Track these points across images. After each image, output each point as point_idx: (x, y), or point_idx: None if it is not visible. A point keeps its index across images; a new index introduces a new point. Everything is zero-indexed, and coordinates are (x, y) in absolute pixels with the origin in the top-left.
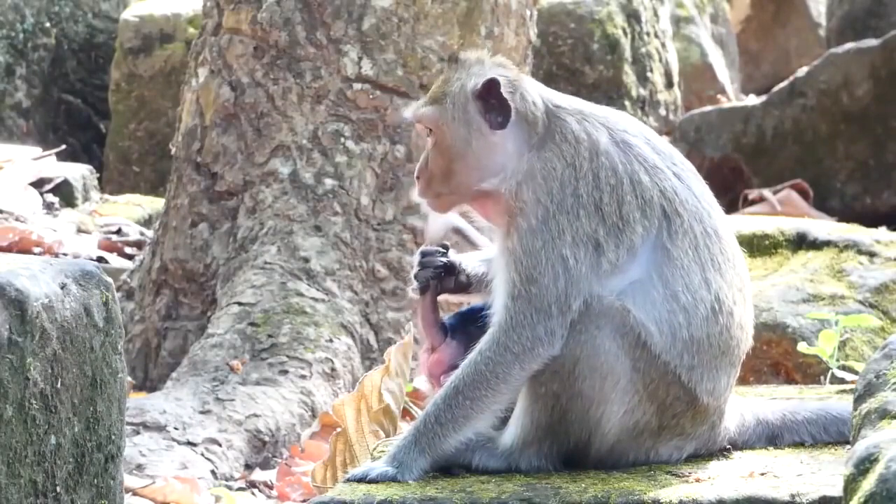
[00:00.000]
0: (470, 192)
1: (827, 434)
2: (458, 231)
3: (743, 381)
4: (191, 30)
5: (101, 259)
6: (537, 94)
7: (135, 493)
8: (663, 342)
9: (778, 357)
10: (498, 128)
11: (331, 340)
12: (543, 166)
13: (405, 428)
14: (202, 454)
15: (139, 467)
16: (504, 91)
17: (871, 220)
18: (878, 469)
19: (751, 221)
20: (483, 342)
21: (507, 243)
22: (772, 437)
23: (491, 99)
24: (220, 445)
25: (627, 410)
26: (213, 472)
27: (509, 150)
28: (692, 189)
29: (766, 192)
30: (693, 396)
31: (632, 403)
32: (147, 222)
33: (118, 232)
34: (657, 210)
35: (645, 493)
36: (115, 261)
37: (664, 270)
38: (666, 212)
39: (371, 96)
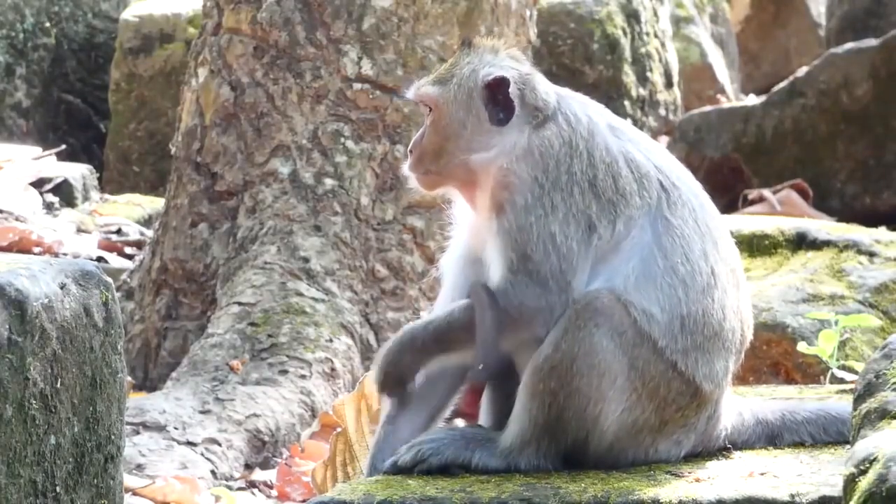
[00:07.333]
0: (458, 174)
1: (826, 434)
2: None
3: (743, 381)
4: (191, 30)
5: (101, 259)
6: (550, 88)
7: (135, 493)
8: (664, 322)
9: (778, 357)
10: (497, 124)
11: (331, 340)
12: (541, 143)
13: None
14: (202, 454)
15: (139, 467)
16: (512, 91)
17: (871, 220)
18: (878, 469)
19: (751, 221)
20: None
21: (503, 223)
22: (771, 436)
23: (498, 94)
24: (220, 445)
25: (626, 409)
26: (213, 472)
27: (504, 139)
28: (681, 172)
29: (766, 192)
30: (695, 386)
31: (630, 402)
32: (147, 222)
33: (118, 232)
34: (654, 182)
35: (644, 493)
36: (115, 261)
37: (663, 240)
38: (663, 185)
39: (371, 96)
